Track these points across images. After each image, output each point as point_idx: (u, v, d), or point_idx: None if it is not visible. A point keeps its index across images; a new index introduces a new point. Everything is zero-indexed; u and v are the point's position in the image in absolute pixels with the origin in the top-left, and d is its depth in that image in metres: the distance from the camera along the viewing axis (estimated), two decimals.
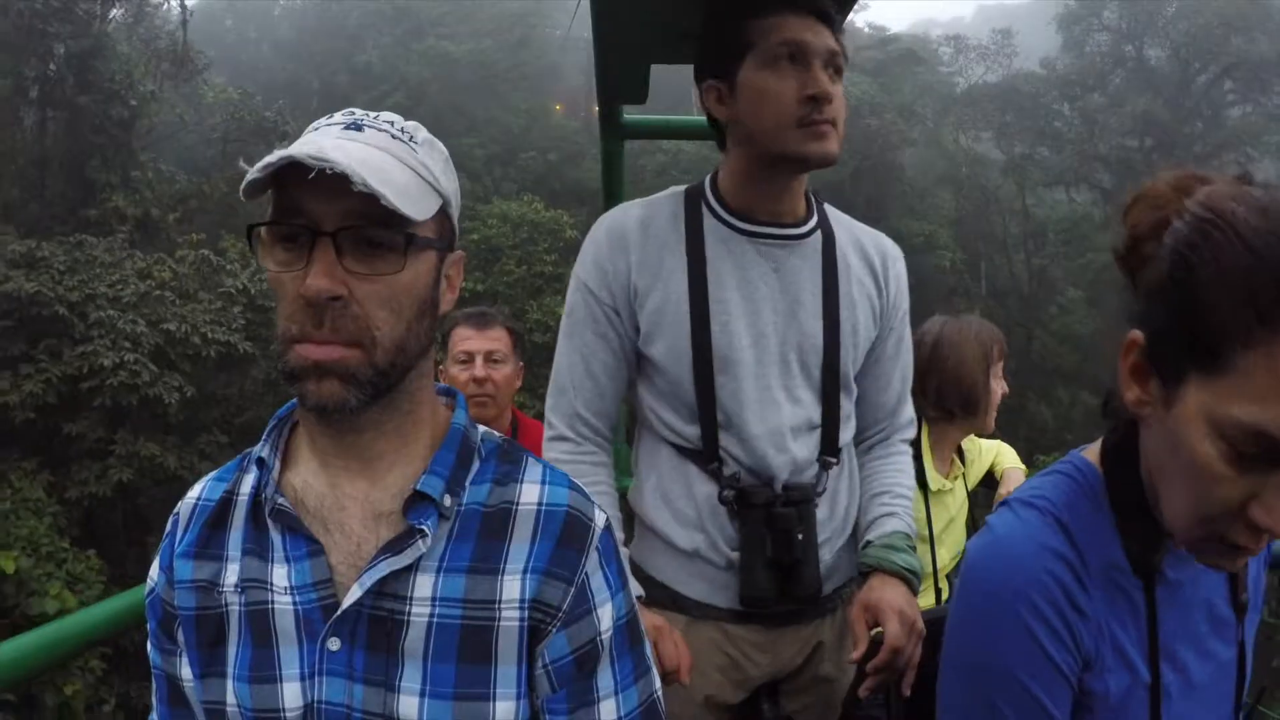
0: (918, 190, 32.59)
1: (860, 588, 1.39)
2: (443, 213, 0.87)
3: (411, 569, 0.83)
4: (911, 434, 1.60)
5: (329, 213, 0.78)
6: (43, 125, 18.05)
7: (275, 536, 0.86)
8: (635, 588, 1.25)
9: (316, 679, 0.82)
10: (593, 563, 0.87)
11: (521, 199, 28.41)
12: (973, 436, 2.43)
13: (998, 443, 2.57)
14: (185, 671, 0.88)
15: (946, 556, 2.28)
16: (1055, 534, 0.87)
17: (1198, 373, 0.75)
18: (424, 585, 0.83)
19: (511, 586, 0.84)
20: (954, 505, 2.33)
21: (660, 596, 1.40)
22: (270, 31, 46.27)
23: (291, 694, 0.83)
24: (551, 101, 38.32)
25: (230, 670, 0.85)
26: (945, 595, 2.25)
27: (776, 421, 1.39)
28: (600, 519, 0.91)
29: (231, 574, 0.86)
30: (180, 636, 0.89)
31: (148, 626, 0.93)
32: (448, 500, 0.85)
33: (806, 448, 1.42)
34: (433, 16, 39.42)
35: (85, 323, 14.52)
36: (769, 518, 1.36)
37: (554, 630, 0.85)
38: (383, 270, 0.80)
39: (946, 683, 0.92)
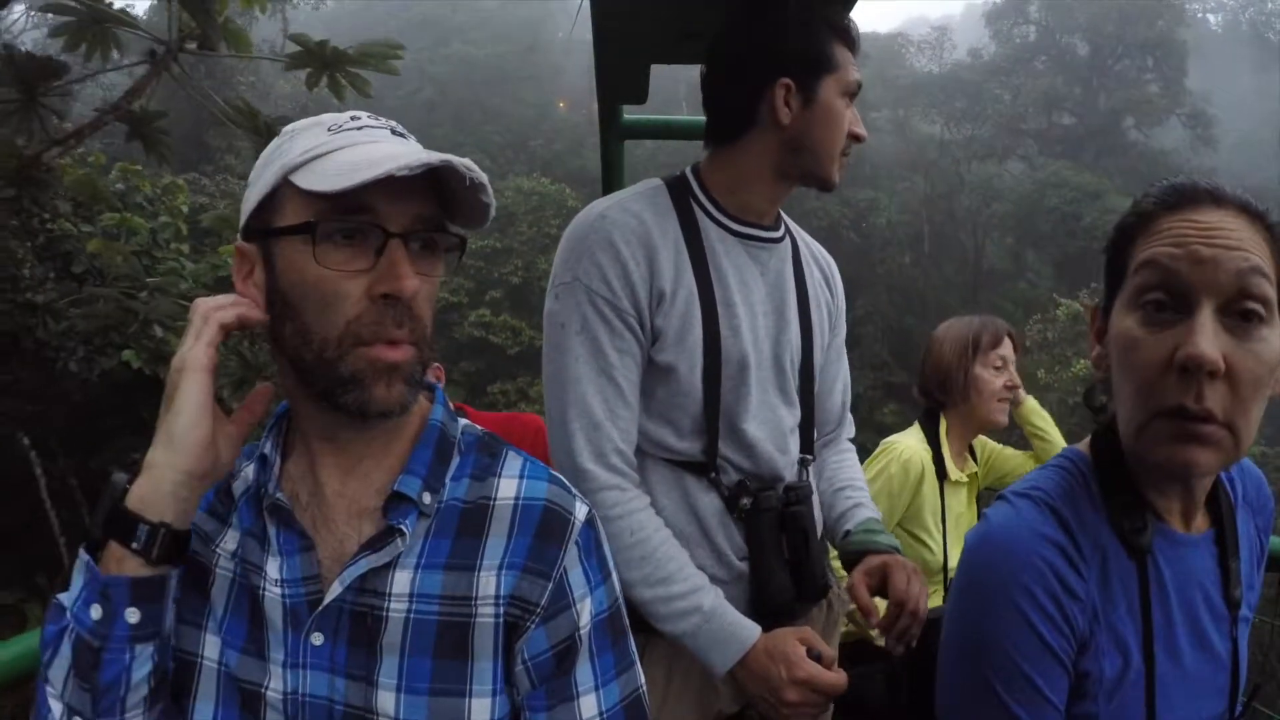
0: (868, 163, 38.05)
1: (854, 570, 1.39)
2: None
3: (390, 565, 0.83)
4: (852, 433, 1.66)
5: (396, 214, 0.78)
6: (172, 96, 24.06)
7: (271, 529, 0.86)
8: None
9: (300, 671, 0.83)
10: (571, 557, 0.86)
11: (531, 177, 34.15)
12: (983, 439, 2.45)
13: (1024, 454, 2.52)
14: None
15: (958, 552, 2.22)
16: (1048, 521, 0.89)
17: (1118, 294, 0.89)
18: (402, 581, 0.83)
19: (488, 583, 0.83)
20: (965, 499, 2.35)
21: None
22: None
23: (276, 678, 0.84)
24: (557, 99, 43.43)
25: (206, 624, 0.86)
26: None
27: (776, 424, 1.38)
28: (581, 512, 0.89)
29: (231, 541, 0.88)
30: None
31: None
32: (427, 498, 0.85)
33: (796, 447, 1.43)
34: (456, 24, 45.30)
35: (232, 229, 20.90)
36: (782, 519, 1.35)
37: (533, 626, 0.84)
38: (433, 273, 0.82)
39: (945, 665, 0.94)
